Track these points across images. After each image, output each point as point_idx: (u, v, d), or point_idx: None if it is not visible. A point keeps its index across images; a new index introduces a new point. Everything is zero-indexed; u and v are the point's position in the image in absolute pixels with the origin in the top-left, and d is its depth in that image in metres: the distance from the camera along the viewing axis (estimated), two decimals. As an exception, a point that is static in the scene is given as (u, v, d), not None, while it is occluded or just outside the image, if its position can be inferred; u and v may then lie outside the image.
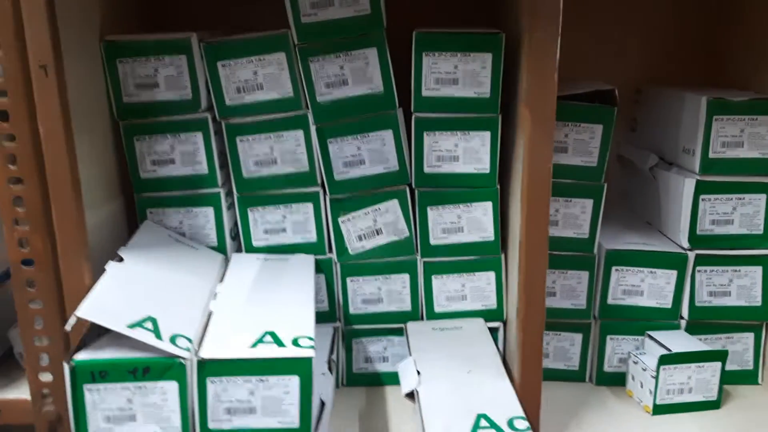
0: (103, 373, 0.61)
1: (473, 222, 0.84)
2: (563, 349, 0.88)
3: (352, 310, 0.87)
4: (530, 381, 0.74)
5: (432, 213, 0.84)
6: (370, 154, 0.82)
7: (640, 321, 0.87)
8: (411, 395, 0.73)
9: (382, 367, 0.89)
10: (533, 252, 0.72)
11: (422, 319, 0.87)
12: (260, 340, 0.64)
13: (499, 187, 0.82)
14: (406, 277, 0.86)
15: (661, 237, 0.89)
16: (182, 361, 0.61)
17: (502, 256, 0.85)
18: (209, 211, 0.84)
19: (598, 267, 0.86)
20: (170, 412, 0.62)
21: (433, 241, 0.84)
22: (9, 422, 0.76)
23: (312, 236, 0.85)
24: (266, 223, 0.85)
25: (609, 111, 0.81)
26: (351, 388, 0.89)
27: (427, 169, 0.82)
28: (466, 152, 0.81)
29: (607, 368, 0.89)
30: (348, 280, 0.86)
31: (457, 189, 0.83)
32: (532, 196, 0.71)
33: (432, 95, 0.80)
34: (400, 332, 0.87)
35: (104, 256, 0.73)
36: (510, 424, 0.66)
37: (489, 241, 0.84)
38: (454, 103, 0.80)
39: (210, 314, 0.69)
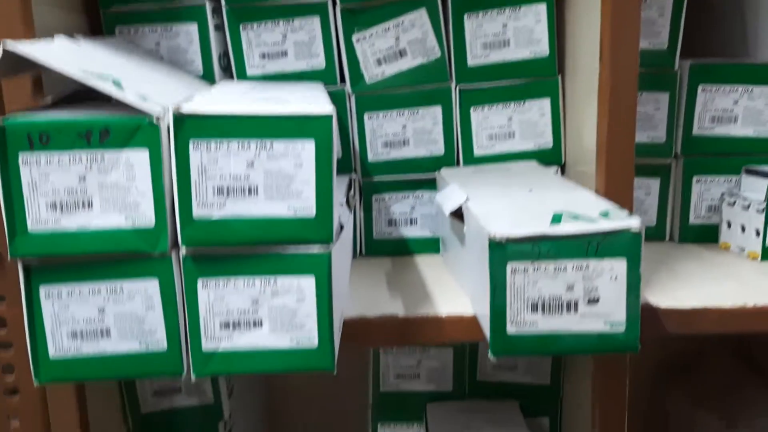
0: (45, 136, 0.43)
1: (522, 32, 0.67)
2: (637, 200, 0.71)
3: (371, 157, 0.69)
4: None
5: (470, 22, 0.67)
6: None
7: (734, 156, 0.69)
8: (457, 214, 0.55)
9: (410, 232, 0.72)
10: (620, 64, 0.53)
11: (458, 165, 0.70)
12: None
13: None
14: (437, 110, 0.68)
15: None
16: (153, 120, 0.43)
17: (559, 78, 0.68)
18: (192, 28, 0.67)
19: (680, 87, 0.69)
20: (139, 196, 0.44)
21: (471, 61, 0.67)
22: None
23: (319, 61, 0.68)
24: (263, 44, 0.67)
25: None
26: (371, 259, 0.71)
27: (463, -35, 0.66)
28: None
29: (693, 220, 0.71)
30: (365, 116, 0.69)
31: (503, -12, 0.66)
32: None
33: None
34: (430, 185, 0.70)
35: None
36: (604, 214, 0.48)
37: (542, 58, 0.67)
38: None
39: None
